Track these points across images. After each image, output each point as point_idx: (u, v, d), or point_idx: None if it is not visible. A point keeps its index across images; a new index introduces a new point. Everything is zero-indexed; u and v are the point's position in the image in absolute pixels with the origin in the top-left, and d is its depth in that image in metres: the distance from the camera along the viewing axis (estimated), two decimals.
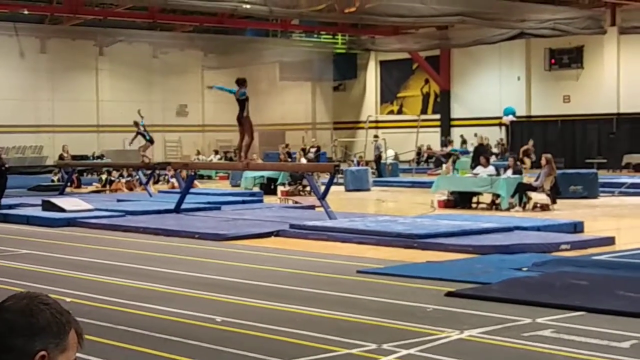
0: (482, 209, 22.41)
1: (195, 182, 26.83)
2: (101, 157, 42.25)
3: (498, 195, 22.01)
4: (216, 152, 43.95)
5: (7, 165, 24.74)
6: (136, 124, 29.78)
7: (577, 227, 16.84)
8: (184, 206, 21.04)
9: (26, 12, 39.20)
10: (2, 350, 2.18)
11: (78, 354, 2.29)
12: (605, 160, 38.68)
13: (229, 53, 47.11)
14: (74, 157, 37.53)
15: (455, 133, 46.61)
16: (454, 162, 30.34)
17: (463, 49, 45.14)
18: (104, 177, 32.98)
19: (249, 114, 19.66)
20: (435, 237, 14.94)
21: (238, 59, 46.97)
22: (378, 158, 37.95)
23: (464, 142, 44.82)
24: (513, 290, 10.28)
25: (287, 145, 36.66)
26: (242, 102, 19.54)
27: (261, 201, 25.27)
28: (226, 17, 41.67)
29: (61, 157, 35.57)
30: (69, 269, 12.88)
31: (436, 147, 45.44)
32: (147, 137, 29.81)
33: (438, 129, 47.20)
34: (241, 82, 19.68)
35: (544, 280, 11.01)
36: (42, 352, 2.18)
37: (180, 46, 47.12)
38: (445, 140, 43.92)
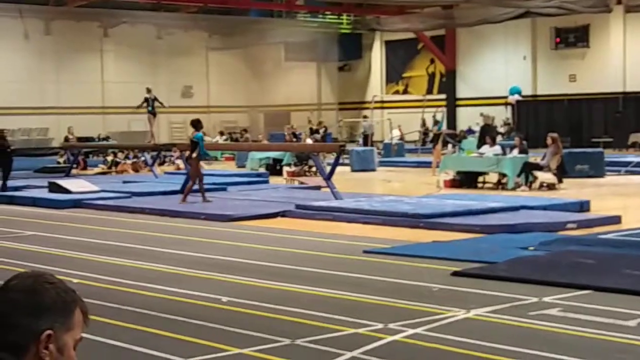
0: (488, 188, 22.37)
1: (201, 163, 26.81)
2: (107, 138, 42.24)
3: (504, 175, 21.98)
4: (221, 133, 43.89)
5: (12, 147, 24.74)
6: (149, 90, 29.68)
7: (583, 206, 16.81)
8: None
9: None
10: (8, 329, 2.17)
11: (83, 334, 2.28)
12: (611, 139, 38.55)
13: (233, 34, 46.99)
14: (80, 139, 37.52)
15: (461, 113, 46.49)
16: (459, 141, 30.24)
17: (468, 28, 44.91)
18: (109, 158, 33.00)
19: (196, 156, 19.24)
20: (441, 217, 14.93)
21: (243, 40, 46.88)
22: (365, 138, 38.33)
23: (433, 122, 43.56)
24: (519, 270, 10.27)
25: (292, 127, 36.65)
26: (195, 144, 19.20)
27: (267, 182, 25.28)
28: None
29: (66, 139, 35.58)
30: (75, 250, 12.90)
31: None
32: (151, 108, 29.62)
33: (444, 109, 47.06)
34: (196, 124, 19.50)
35: (551, 259, 11.00)
36: (48, 331, 2.17)
37: (185, 27, 46.99)
38: (423, 122, 42.73)
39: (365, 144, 37.60)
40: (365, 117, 40.98)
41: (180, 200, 18.82)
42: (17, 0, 40.28)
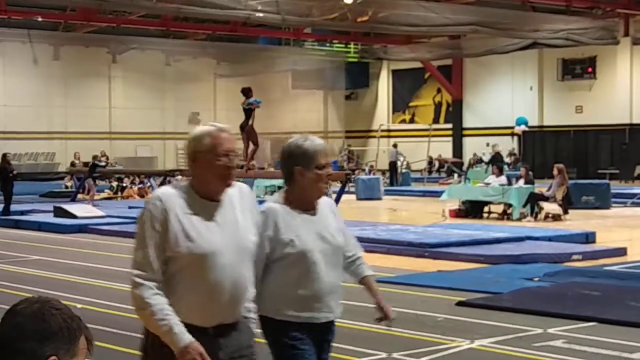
0: (494, 218, 22.35)
1: None
2: (113, 164, 42.32)
3: (510, 205, 21.96)
4: None
5: (15, 172, 24.75)
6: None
7: (588, 238, 16.79)
8: None
9: (40, 19, 39.34)
10: (14, 354, 2.18)
11: None
12: (617, 171, 38.52)
13: (241, 61, 47.15)
14: (86, 164, 37.57)
15: (467, 143, 46.50)
16: (467, 169, 30.26)
17: (475, 58, 45.06)
18: (115, 184, 33.03)
19: (252, 124, 19.51)
20: (447, 247, 14.91)
21: (251, 67, 47.00)
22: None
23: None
24: (524, 300, 10.25)
25: None
26: (248, 112, 19.52)
27: None
28: (239, 25, 41.71)
29: (72, 164, 35.64)
30: (80, 275, 12.90)
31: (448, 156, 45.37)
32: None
33: (450, 139, 47.15)
34: (247, 92, 19.64)
35: (556, 290, 10.98)
36: (53, 357, 2.18)
37: (193, 54, 47.19)
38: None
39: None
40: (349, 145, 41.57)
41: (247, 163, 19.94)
42: (26, 26, 40.51)
